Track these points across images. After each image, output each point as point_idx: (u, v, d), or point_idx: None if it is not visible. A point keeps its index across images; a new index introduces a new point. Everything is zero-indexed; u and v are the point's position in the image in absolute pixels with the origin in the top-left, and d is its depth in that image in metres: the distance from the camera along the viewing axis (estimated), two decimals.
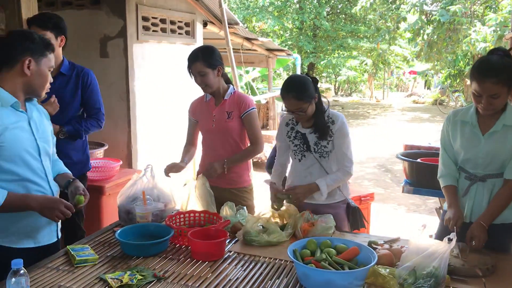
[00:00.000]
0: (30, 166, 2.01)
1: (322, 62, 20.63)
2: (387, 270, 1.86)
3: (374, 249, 2.01)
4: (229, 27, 5.95)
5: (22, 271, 1.52)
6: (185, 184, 2.79)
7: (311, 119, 2.52)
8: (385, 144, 10.84)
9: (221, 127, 2.74)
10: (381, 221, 5.29)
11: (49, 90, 2.10)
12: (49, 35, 2.75)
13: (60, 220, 2.12)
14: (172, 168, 2.79)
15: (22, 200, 1.95)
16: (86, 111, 3.07)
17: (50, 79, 2.05)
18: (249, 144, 2.85)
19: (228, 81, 2.82)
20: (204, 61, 2.63)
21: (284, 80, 2.56)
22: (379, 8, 14.07)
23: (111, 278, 1.84)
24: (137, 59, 4.56)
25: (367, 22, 19.59)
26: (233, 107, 2.75)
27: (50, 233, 2.15)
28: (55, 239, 2.19)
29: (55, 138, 2.25)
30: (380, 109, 20.13)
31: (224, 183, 2.80)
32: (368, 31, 19.09)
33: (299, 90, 2.41)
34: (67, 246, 2.16)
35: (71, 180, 2.21)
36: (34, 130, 2.04)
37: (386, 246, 2.13)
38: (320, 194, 2.50)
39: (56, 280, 1.88)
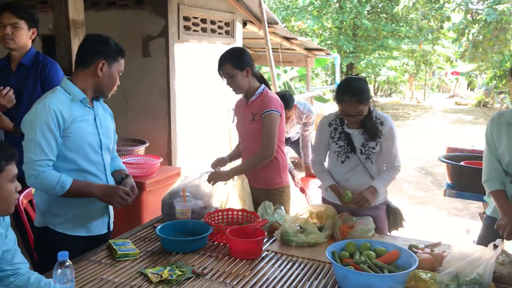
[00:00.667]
0: (91, 159, 2.12)
1: (362, 62, 20.34)
2: (428, 274, 1.82)
3: (415, 253, 1.97)
4: (268, 27, 5.96)
5: (67, 263, 1.58)
6: (225, 183, 2.79)
7: (360, 120, 2.49)
8: (426, 146, 10.59)
9: (248, 129, 2.76)
10: (421, 224, 5.17)
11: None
12: (22, 25, 2.84)
13: (112, 212, 2.29)
14: (218, 164, 2.83)
15: (86, 187, 2.07)
16: None
17: (118, 82, 2.17)
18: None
19: (262, 81, 2.80)
20: (232, 63, 2.63)
21: (340, 83, 2.53)
22: (422, 8, 13.73)
23: (151, 273, 1.88)
24: (177, 59, 4.63)
25: (408, 21, 19.17)
26: (257, 108, 2.71)
27: (102, 224, 2.24)
28: (106, 231, 2.26)
29: (116, 136, 2.35)
30: (421, 110, 19.67)
31: (258, 183, 2.80)
32: (410, 31, 18.68)
33: (361, 93, 2.39)
34: (109, 241, 2.22)
35: (124, 176, 2.32)
36: (98, 125, 2.16)
37: (427, 250, 2.08)
38: (377, 196, 2.50)
39: (99, 273, 1.94)
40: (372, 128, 2.47)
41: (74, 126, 2.05)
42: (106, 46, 2.11)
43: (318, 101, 9.78)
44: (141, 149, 4.34)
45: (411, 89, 25.04)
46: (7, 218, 1.73)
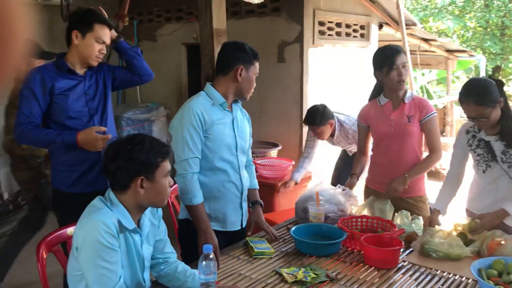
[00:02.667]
0: (225, 158, 2.25)
1: (510, 65, 18.46)
2: None
3: None
4: (406, 28, 5.72)
5: (211, 256, 1.68)
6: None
7: (497, 126, 2.28)
8: None
9: (400, 131, 2.64)
10: None
11: None
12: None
13: (246, 210, 2.41)
14: (352, 185, 2.77)
15: (200, 218, 2.15)
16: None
17: (254, 84, 2.29)
18: (424, 151, 2.70)
19: None
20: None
21: (464, 83, 2.37)
22: None
23: (286, 273, 1.92)
24: (311, 63, 4.67)
25: None
26: (414, 111, 2.62)
27: (236, 221, 2.35)
28: (239, 228, 2.37)
29: (251, 140, 2.47)
30: None
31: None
32: None
33: (480, 94, 2.21)
34: (246, 238, 2.32)
35: (254, 202, 2.47)
36: (235, 128, 2.29)
37: None
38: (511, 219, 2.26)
39: (237, 268, 2.04)
40: (509, 134, 2.24)
41: (213, 128, 2.19)
42: (243, 52, 2.22)
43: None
44: (274, 152, 4.47)
45: None
46: (160, 211, 1.90)
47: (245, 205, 2.39)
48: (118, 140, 1.74)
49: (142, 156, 1.66)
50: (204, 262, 1.67)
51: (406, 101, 2.65)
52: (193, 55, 5.50)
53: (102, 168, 1.76)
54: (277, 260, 2.13)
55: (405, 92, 2.68)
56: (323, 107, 3.56)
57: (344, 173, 3.55)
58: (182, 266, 1.87)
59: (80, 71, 2.46)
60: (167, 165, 1.74)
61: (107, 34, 2.44)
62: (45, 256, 1.93)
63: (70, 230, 2.02)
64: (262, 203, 2.48)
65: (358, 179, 2.84)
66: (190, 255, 2.11)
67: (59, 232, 2.02)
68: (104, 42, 2.42)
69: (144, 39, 5.86)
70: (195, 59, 5.33)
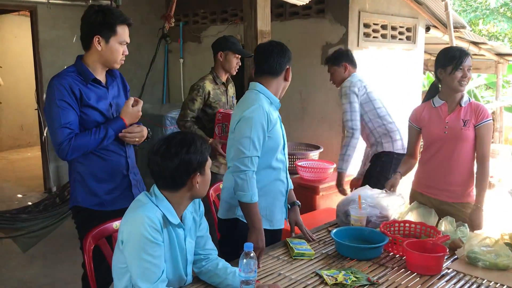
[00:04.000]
0: (278, 158, 2.30)
1: None
2: None
3: None
4: (454, 31, 5.57)
5: (252, 254, 1.69)
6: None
7: None
8: None
9: (454, 135, 2.57)
10: None
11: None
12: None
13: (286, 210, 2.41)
14: (393, 185, 2.70)
15: (254, 215, 2.15)
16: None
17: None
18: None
19: None
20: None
21: None
22: None
23: (326, 275, 1.91)
24: None
25: None
26: (470, 116, 2.56)
27: (281, 220, 2.37)
28: (283, 226, 2.39)
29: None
30: None
31: (444, 196, 2.63)
32: None
33: None
34: (287, 239, 2.32)
35: (292, 203, 2.47)
36: (282, 127, 2.34)
37: None
38: None
39: (277, 268, 2.04)
40: None
41: (275, 127, 2.23)
42: (288, 53, 2.28)
43: (509, 112, 8.76)
44: (315, 154, 4.44)
45: None
46: (202, 207, 1.93)
47: (286, 204, 2.40)
48: (168, 143, 1.74)
49: (197, 154, 1.72)
50: (244, 260, 1.68)
51: (463, 105, 2.58)
52: None
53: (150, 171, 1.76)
54: (317, 262, 2.12)
55: (462, 96, 2.61)
56: (347, 51, 3.60)
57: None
58: (223, 263, 1.90)
59: (101, 78, 2.28)
60: (210, 160, 1.82)
61: (127, 34, 2.25)
62: (91, 248, 2.00)
63: (116, 224, 2.08)
64: (300, 204, 2.48)
65: (401, 178, 2.76)
66: (230, 254, 2.13)
67: (105, 226, 2.08)
68: (125, 43, 2.24)
69: (189, 40, 5.97)
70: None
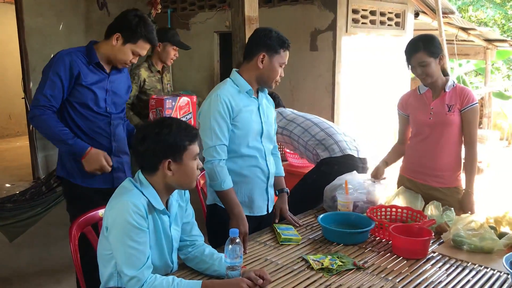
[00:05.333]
0: (251, 145, 2.26)
1: None
2: None
3: None
4: (443, 17, 5.57)
5: (237, 240, 1.69)
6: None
7: None
8: None
9: (440, 120, 2.57)
10: None
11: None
12: None
13: (273, 196, 2.42)
14: (378, 175, 2.70)
15: (233, 203, 2.16)
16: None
17: (281, 72, 2.24)
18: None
19: (445, 73, 2.62)
20: (426, 50, 2.48)
21: None
22: None
23: (312, 260, 1.92)
24: (344, 52, 4.62)
25: None
26: (455, 100, 2.55)
27: (263, 206, 2.36)
28: (266, 213, 2.38)
29: (276, 127, 2.46)
30: None
31: (432, 181, 2.64)
32: None
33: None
34: (274, 224, 2.33)
35: (280, 190, 2.47)
36: (262, 114, 2.29)
37: None
38: None
39: (264, 254, 2.05)
40: None
41: (240, 115, 2.19)
42: (268, 39, 2.18)
43: (497, 98, 8.82)
44: None
45: None
46: (187, 193, 1.92)
47: (271, 191, 2.39)
48: (147, 123, 1.77)
49: (169, 139, 1.69)
50: (230, 246, 1.68)
51: (447, 90, 2.57)
52: (225, 43, 5.51)
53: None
54: (303, 247, 2.12)
55: (447, 80, 2.59)
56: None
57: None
58: (209, 249, 1.89)
59: (107, 67, 2.44)
60: (195, 148, 1.75)
61: (146, 49, 2.44)
62: (77, 236, 1.99)
63: (101, 211, 2.07)
64: (288, 191, 2.48)
65: (386, 166, 2.77)
66: (218, 240, 2.13)
67: (90, 214, 2.08)
68: (140, 55, 2.43)
69: (178, 27, 5.90)
70: (227, 47, 5.35)
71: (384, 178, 2.71)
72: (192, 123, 3.22)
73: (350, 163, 3.09)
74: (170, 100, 3.12)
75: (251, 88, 2.24)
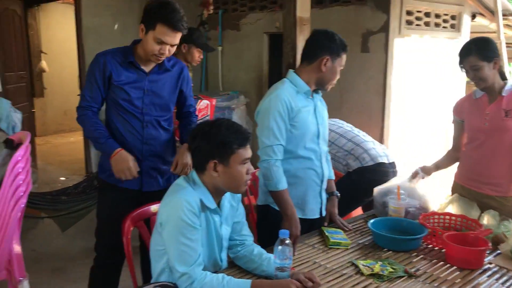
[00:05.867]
0: (308, 146, 2.25)
1: None
2: None
3: None
4: (502, 19, 5.34)
5: (287, 241, 1.69)
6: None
7: None
8: None
9: (496, 126, 2.46)
10: None
11: None
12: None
13: (325, 198, 2.39)
14: (419, 174, 2.60)
15: (286, 202, 2.16)
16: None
17: (337, 76, 2.25)
18: None
19: (504, 77, 2.51)
20: (478, 54, 2.39)
21: None
22: None
23: (363, 265, 1.89)
24: (396, 54, 4.51)
25: None
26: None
27: (316, 209, 2.35)
28: (318, 216, 2.36)
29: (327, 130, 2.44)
30: None
31: (487, 189, 2.53)
32: None
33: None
34: (322, 228, 2.30)
35: (330, 194, 2.43)
36: (318, 115, 2.29)
37: None
38: None
39: (312, 256, 2.04)
40: None
41: (299, 115, 2.19)
42: (331, 42, 2.19)
43: None
44: None
45: None
46: (239, 194, 1.93)
47: (324, 194, 2.37)
48: (204, 121, 1.80)
49: (217, 139, 1.69)
50: (280, 247, 1.68)
51: (504, 94, 2.46)
52: (274, 44, 5.52)
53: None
54: (353, 251, 2.09)
55: (504, 84, 2.48)
56: None
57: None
58: (258, 249, 1.90)
59: (145, 65, 2.33)
60: (244, 153, 1.73)
61: (169, 35, 2.20)
62: (130, 230, 2.06)
63: (153, 207, 2.13)
64: (339, 195, 2.45)
65: (436, 170, 2.68)
66: (268, 241, 2.13)
67: (143, 209, 2.14)
68: (164, 43, 2.22)
69: (228, 28, 5.96)
70: (276, 48, 5.35)
71: (423, 178, 2.62)
72: None
73: (382, 170, 3.10)
74: None
75: (309, 89, 2.24)
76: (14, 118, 4.63)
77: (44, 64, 8.48)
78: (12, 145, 2.73)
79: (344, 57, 2.23)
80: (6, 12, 5.62)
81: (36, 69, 8.40)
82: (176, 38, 2.25)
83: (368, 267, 1.87)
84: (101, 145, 2.30)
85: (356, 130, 3.52)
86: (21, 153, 2.36)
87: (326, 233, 2.21)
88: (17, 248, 2.49)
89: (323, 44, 2.19)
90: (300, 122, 2.19)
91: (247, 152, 1.75)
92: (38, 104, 8.43)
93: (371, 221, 2.25)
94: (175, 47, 2.30)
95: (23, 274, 2.55)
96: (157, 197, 2.13)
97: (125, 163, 2.25)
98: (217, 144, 1.70)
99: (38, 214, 3.81)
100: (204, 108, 3.30)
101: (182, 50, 3.49)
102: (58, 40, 8.63)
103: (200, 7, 5.55)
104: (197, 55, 3.52)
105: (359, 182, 3.15)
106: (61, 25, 8.55)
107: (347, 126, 3.57)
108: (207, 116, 3.34)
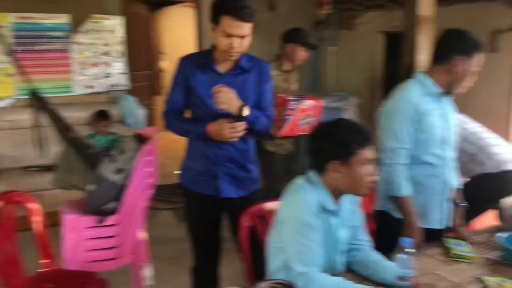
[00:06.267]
0: (435, 152, 2.14)
1: None
2: None
3: None
4: None
5: (409, 250, 1.62)
6: None
7: None
8: None
9: None
10: None
11: None
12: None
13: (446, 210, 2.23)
14: None
15: (410, 213, 2.08)
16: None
17: (467, 78, 2.10)
18: None
19: None
20: None
21: None
22: None
23: (493, 282, 1.74)
24: None
25: None
26: None
27: (437, 219, 2.22)
28: (439, 226, 2.24)
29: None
30: None
31: None
32: None
33: None
34: (444, 238, 2.17)
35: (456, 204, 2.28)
36: (445, 120, 2.17)
37: None
38: None
39: (432, 268, 1.93)
40: None
41: (425, 119, 2.09)
42: (462, 41, 2.05)
43: None
44: None
45: None
46: (357, 197, 1.89)
47: (448, 204, 2.24)
48: (325, 122, 1.78)
49: (338, 139, 1.67)
50: (401, 255, 1.62)
51: None
52: (391, 44, 5.33)
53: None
54: (478, 266, 1.94)
55: None
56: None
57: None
58: (375, 255, 1.85)
59: (222, 67, 2.22)
60: (366, 153, 1.68)
61: (234, 26, 2.04)
62: (247, 225, 2.12)
63: (267, 205, 2.17)
64: (467, 205, 2.29)
65: None
66: (385, 249, 2.06)
67: (259, 207, 2.19)
68: (232, 35, 2.07)
69: (343, 27, 5.89)
70: (392, 48, 5.16)
71: None
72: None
73: (510, 177, 2.88)
74: (294, 102, 3.15)
75: (438, 91, 2.13)
76: (139, 114, 5.03)
77: (164, 64, 9.06)
78: (141, 140, 2.95)
79: (477, 57, 2.07)
80: (133, 15, 6.09)
81: (156, 69, 9.00)
82: (243, 28, 2.06)
83: (500, 284, 1.72)
84: (192, 133, 2.30)
85: (482, 132, 3.25)
86: (151, 147, 2.54)
87: (448, 244, 2.08)
88: (143, 235, 2.68)
89: (454, 44, 2.06)
90: (426, 125, 2.09)
91: (369, 152, 1.70)
92: (157, 101, 9.03)
93: (505, 235, 2.05)
94: (247, 40, 2.12)
95: (146, 260, 2.75)
96: (238, 205, 2.23)
97: (222, 129, 2.14)
98: (338, 144, 1.68)
99: (160, 205, 4.07)
100: (308, 108, 3.26)
101: (286, 50, 3.50)
102: (177, 41, 9.15)
103: (316, 6, 5.54)
104: (300, 54, 3.48)
105: (483, 189, 2.93)
106: (180, 27, 9.06)
107: (472, 127, 3.31)
108: (310, 117, 3.30)
